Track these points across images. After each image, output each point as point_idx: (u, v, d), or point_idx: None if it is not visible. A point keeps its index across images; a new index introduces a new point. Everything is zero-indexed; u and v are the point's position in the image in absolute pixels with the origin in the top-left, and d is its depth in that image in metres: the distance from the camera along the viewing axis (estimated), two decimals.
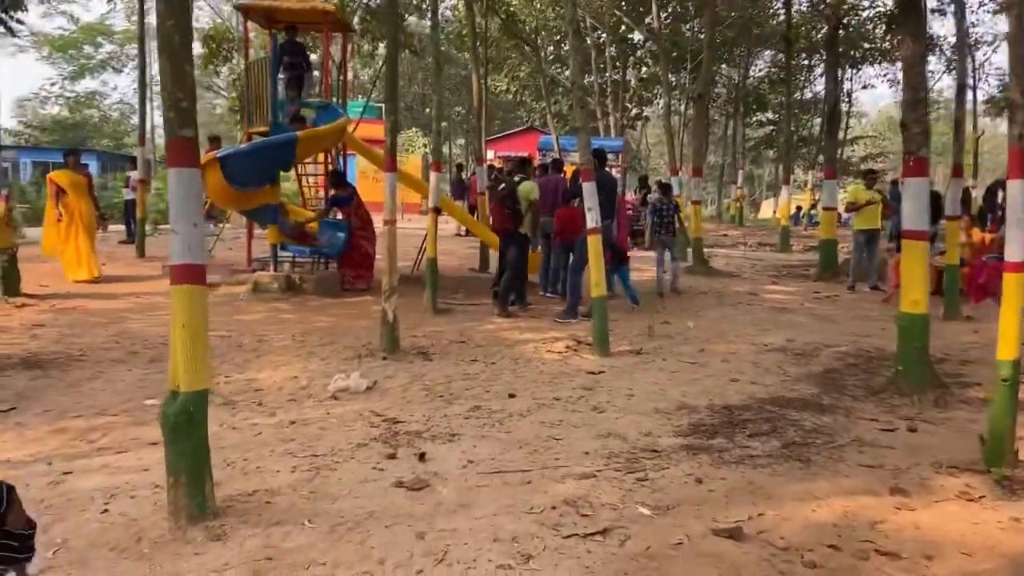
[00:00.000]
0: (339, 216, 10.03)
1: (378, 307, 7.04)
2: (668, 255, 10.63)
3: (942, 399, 5.55)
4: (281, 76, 10.03)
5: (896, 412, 5.23)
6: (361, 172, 22.64)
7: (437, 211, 8.64)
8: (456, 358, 6.76)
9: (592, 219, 6.97)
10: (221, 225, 14.17)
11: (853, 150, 31.76)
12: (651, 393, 5.67)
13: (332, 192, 10.02)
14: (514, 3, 21.83)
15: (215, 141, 11.47)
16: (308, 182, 11.69)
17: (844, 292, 11.18)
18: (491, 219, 9.31)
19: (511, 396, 5.58)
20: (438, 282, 8.76)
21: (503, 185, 9.10)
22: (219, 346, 6.82)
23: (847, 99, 31.58)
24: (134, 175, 14.36)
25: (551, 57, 29.30)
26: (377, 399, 5.46)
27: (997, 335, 4.06)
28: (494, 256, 11.87)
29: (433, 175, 8.62)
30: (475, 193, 14.15)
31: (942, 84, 32.06)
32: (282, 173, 10.43)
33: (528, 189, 9.07)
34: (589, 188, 6.99)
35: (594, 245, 6.95)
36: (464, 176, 21.24)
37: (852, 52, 27.85)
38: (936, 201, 12.30)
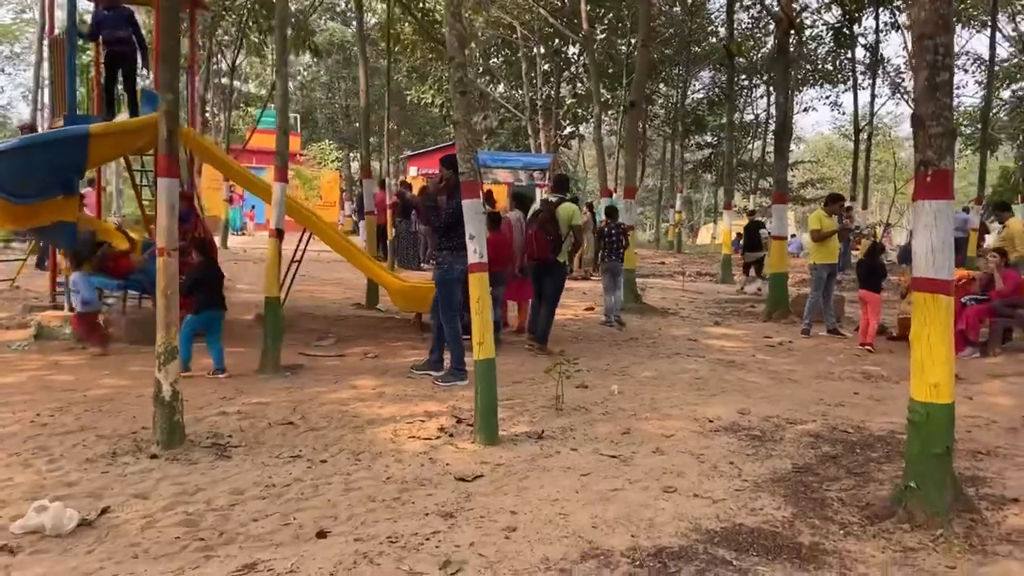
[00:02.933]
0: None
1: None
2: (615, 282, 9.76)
3: (975, 534, 3.68)
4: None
5: (913, 561, 3.35)
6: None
7: (279, 234, 6.41)
8: (270, 452, 4.61)
9: (475, 250, 4.95)
10: (29, 243, 11.39)
11: (793, 175, 30.73)
12: (544, 523, 3.65)
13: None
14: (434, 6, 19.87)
15: (28, 130, 8.94)
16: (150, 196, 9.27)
17: (799, 337, 9.42)
18: (531, 246, 7.91)
19: (320, 535, 3.49)
20: (281, 331, 6.53)
21: (540, 209, 8.34)
22: None
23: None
24: None
25: (480, 70, 27.45)
26: (84, 551, 3.26)
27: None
28: (382, 292, 9.75)
29: (276, 186, 6.39)
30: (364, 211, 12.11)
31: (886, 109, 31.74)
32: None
33: (570, 212, 8.05)
34: (471, 207, 4.97)
35: (477, 286, 4.92)
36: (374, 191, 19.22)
37: (793, 73, 26.82)
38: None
